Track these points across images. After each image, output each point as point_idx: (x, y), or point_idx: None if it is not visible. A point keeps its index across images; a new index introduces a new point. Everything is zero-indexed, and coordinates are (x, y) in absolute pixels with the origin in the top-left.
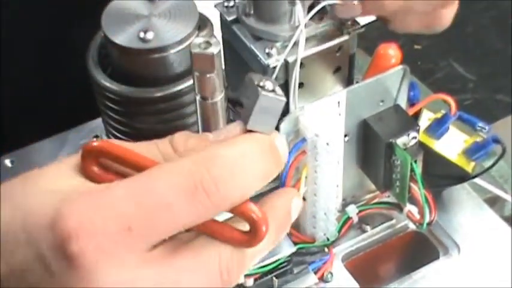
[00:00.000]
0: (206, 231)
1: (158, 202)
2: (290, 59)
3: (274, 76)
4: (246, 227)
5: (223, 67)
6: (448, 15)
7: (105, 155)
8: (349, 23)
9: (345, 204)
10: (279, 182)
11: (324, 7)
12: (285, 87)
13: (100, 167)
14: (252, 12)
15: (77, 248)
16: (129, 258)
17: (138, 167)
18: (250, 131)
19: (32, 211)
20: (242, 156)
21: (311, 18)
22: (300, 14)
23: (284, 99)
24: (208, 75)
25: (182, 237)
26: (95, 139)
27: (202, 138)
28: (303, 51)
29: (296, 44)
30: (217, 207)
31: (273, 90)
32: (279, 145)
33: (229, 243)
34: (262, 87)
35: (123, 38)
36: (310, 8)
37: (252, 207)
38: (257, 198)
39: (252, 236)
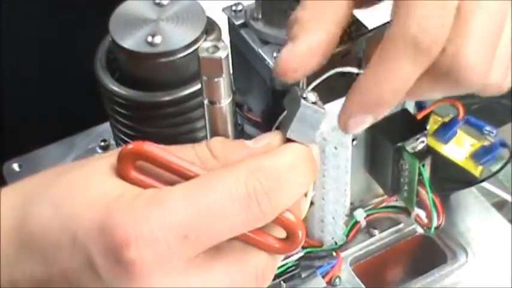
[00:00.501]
0: (245, 238)
1: (215, 210)
2: None
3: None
4: (279, 232)
5: (231, 71)
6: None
7: (142, 158)
8: (356, 27)
9: (352, 208)
10: None
11: None
12: None
13: (138, 170)
14: (260, 16)
15: (135, 256)
16: (178, 264)
17: (179, 172)
18: (289, 140)
19: (78, 213)
20: (290, 168)
21: None
22: None
23: (324, 111)
24: (216, 80)
25: (220, 244)
26: (130, 142)
27: (240, 144)
28: None
29: None
30: (266, 217)
31: (315, 102)
32: (316, 155)
33: (267, 251)
34: (305, 98)
35: (130, 42)
36: None
37: (290, 215)
38: None
39: (290, 243)
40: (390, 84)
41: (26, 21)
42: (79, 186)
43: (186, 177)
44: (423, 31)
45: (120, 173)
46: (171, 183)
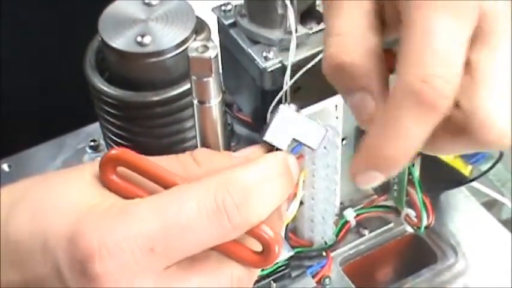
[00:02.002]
0: (221, 250)
1: (182, 224)
2: (288, 63)
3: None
4: (257, 244)
5: (221, 71)
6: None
7: (124, 164)
8: None
9: (342, 208)
10: None
11: (319, 11)
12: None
13: (119, 176)
14: (246, 13)
15: (99, 269)
16: (147, 278)
17: (159, 179)
18: (267, 143)
19: (51, 221)
20: (263, 181)
21: (307, 22)
22: (292, 19)
23: (301, 117)
24: (205, 79)
25: (195, 254)
26: (115, 147)
27: (224, 154)
28: (301, 55)
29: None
30: (237, 231)
31: (297, 111)
32: (292, 165)
33: (243, 263)
34: (286, 106)
35: (120, 42)
36: (305, 13)
37: (265, 228)
38: None
39: (265, 257)
40: (397, 144)
41: (16, 22)
42: (56, 193)
43: (165, 185)
44: (426, 85)
45: (101, 178)
46: (152, 191)
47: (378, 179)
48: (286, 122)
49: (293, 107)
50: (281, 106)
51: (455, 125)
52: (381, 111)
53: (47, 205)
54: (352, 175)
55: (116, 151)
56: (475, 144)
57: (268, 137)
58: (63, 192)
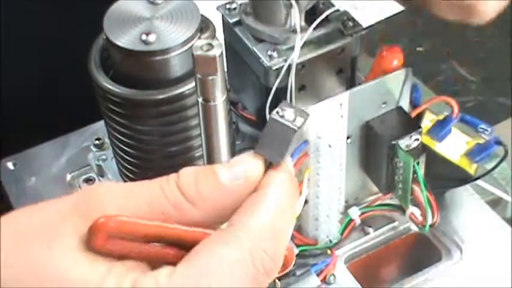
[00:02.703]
0: None
1: None
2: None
3: (278, 79)
4: None
5: (226, 69)
6: (487, 7)
7: (116, 233)
8: (351, 25)
9: (347, 206)
10: None
11: (323, 10)
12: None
13: (111, 241)
14: (251, 11)
15: None
16: None
17: (160, 238)
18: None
19: None
20: (282, 214)
21: (311, 21)
22: (296, 17)
23: (294, 128)
24: (210, 78)
25: None
26: (101, 217)
27: (211, 178)
28: (306, 54)
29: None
30: (272, 278)
31: (292, 120)
32: (293, 176)
33: None
34: (280, 115)
35: (125, 40)
36: (310, 11)
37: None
38: None
39: (281, 270)
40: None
41: (20, 20)
42: (51, 275)
43: (167, 240)
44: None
45: (93, 247)
46: (148, 252)
47: None
48: (276, 130)
49: (289, 114)
50: (272, 116)
51: None
52: None
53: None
54: None
55: (103, 220)
56: (468, 12)
57: (259, 149)
58: (59, 268)
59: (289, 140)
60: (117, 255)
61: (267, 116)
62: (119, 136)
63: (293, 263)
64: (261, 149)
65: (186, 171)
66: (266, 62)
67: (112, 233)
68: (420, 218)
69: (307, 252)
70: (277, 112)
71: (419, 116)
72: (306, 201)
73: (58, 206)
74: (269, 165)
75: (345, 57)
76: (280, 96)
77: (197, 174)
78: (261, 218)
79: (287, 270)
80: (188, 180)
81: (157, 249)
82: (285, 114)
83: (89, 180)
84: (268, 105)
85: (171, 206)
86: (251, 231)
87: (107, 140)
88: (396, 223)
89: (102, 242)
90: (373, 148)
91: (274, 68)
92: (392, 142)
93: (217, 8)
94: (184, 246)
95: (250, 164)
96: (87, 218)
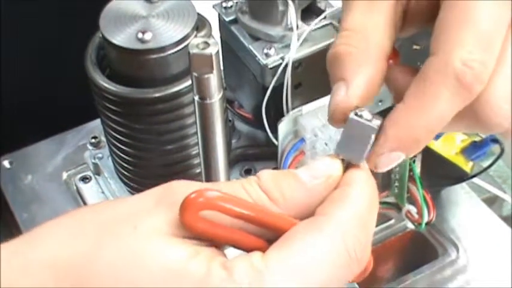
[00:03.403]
0: None
1: (322, 279)
2: (289, 60)
3: (275, 78)
4: None
5: (222, 68)
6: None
7: (210, 208)
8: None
9: None
10: None
11: (320, 8)
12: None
13: (203, 221)
14: (247, 9)
15: None
16: None
17: (255, 221)
18: (348, 165)
19: None
20: (369, 209)
21: (308, 19)
22: (293, 16)
23: (375, 126)
24: (206, 76)
25: None
26: (192, 192)
27: (295, 181)
28: (302, 52)
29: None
30: (361, 267)
31: (370, 119)
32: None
33: None
34: (357, 114)
35: (121, 38)
36: (306, 9)
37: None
38: None
39: (360, 275)
40: (427, 121)
41: (17, 20)
42: (141, 255)
43: (260, 223)
44: (467, 68)
45: (185, 225)
46: (241, 230)
47: (398, 159)
48: (356, 130)
49: (366, 115)
50: (351, 116)
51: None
52: (414, 87)
53: (135, 272)
54: (376, 157)
55: (195, 195)
56: (479, 125)
57: (338, 150)
58: (152, 259)
59: (369, 139)
60: (205, 238)
61: (263, 115)
62: (115, 134)
63: (370, 269)
64: (340, 150)
65: (265, 173)
66: (262, 60)
67: (203, 207)
68: (416, 216)
69: None
70: (356, 113)
71: None
72: None
73: (142, 197)
74: (347, 166)
75: None
76: (277, 94)
77: (277, 175)
78: (350, 209)
79: (365, 276)
80: (269, 180)
81: (246, 235)
82: (363, 114)
83: (85, 179)
84: (264, 103)
85: (251, 200)
86: (341, 220)
87: (103, 138)
88: (392, 221)
89: (192, 217)
90: None
91: (270, 66)
92: None
93: (213, 7)
94: (272, 235)
95: (329, 163)
96: (174, 205)
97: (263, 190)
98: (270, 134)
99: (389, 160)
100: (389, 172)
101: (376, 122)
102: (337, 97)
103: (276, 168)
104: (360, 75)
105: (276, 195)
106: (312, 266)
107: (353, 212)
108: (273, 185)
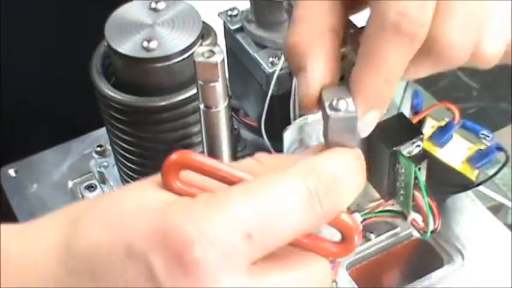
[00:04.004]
0: (300, 244)
1: (277, 210)
2: None
3: (272, 85)
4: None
5: (227, 76)
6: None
7: (189, 167)
8: (352, 32)
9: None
10: None
11: None
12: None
13: (182, 181)
14: (253, 18)
15: (198, 255)
16: (243, 269)
17: (230, 179)
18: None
19: (130, 223)
20: (346, 168)
21: None
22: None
23: (355, 114)
24: (211, 84)
25: (276, 250)
26: (174, 152)
27: (285, 155)
28: None
29: None
30: (326, 218)
31: (346, 110)
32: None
33: (324, 256)
34: (334, 108)
35: (126, 47)
36: None
37: (347, 217)
38: None
39: (346, 247)
40: (383, 75)
41: (22, 28)
42: (127, 198)
43: (235, 183)
44: (403, 17)
45: (166, 184)
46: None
47: (375, 118)
48: (340, 125)
49: (342, 104)
50: (330, 115)
51: (422, 47)
52: (361, 47)
53: (122, 211)
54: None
55: (176, 155)
56: (440, 63)
57: (330, 145)
58: (134, 197)
59: (354, 127)
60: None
61: (262, 124)
62: (121, 143)
63: (356, 240)
64: (332, 144)
65: (260, 153)
66: (268, 68)
67: (182, 167)
68: (422, 224)
69: None
70: (331, 107)
71: (421, 122)
72: None
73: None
74: None
75: (346, 64)
76: (282, 102)
77: (271, 154)
78: (320, 160)
79: (352, 251)
80: (260, 153)
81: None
82: (339, 105)
83: (90, 187)
84: (264, 113)
85: (241, 167)
86: (308, 165)
87: (108, 147)
88: (398, 229)
89: (172, 176)
90: (374, 154)
91: (275, 74)
92: (394, 148)
93: (218, 15)
94: None
95: (315, 147)
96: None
97: (254, 158)
98: (267, 143)
99: (367, 123)
100: (394, 180)
101: (353, 108)
102: (301, 87)
103: None
104: (314, 59)
105: (263, 159)
106: (268, 195)
107: (324, 162)
108: (263, 155)
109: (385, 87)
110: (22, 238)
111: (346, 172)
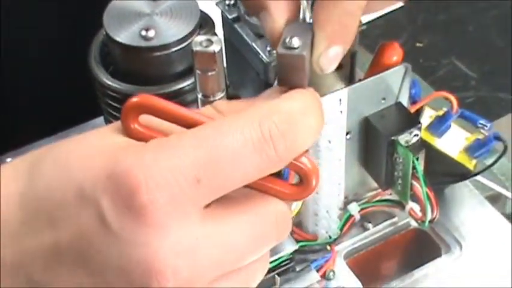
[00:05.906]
0: (258, 186)
1: (228, 153)
2: None
3: (270, 74)
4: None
5: (225, 65)
6: None
7: (148, 110)
8: None
9: (346, 202)
10: None
11: None
12: None
13: (142, 125)
14: None
15: (146, 199)
16: (193, 213)
17: (189, 122)
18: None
19: (82, 165)
20: (304, 110)
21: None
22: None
23: (303, 54)
24: (209, 73)
25: (231, 193)
26: (134, 96)
27: (245, 100)
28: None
29: None
30: (281, 161)
31: (298, 48)
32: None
33: (281, 198)
34: (285, 45)
35: (124, 36)
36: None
37: (305, 160)
38: None
39: (303, 189)
40: (341, 6)
41: (19, 18)
42: (83, 142)
43: (196, 125)
44: None
45: (125, 127)
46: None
47: (339, 54)
48: (287, 62)
49: (295, 41)
50: (278, 51)
51: None
52: None
53: (76, 154)
54: (317, 60)
55: (137, 98)
56: None
57: (280, 82)
58: (89, 141)
59: (304, 66)
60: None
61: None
62: None
63: (314, 184)
64: (282, 82)
65: (220, 100)
66: (265, 57)
67: (141, 111)
68: (420, 214)
69: (307, 248)
70: (285, 45)
71: (419, 112)
72: None
73: None
74: None
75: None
76: None
77: (229, 101)
78: (276, 104)
79: (309, 194)
80: (220, 101)
81: None
82: (293, 42)
83: None
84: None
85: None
86: (263, 109)
87: None
88: (396, 219)
89: (133, 119)
90: (373, 144)
91: (273, 63)
92: (392, 138)
93: (216, 4)
94: None
95: (273, 89)
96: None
97: (212, 106)
98: None
99: (330, 58)
100: (392, 170)
101: (306, 47)
102: (266, 25)
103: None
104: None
105: (222, 108)
106: (220, 138)
107: (280, 106)
108: (223, 102)
109: (346, 20)
110: None
111: (304, 114)
